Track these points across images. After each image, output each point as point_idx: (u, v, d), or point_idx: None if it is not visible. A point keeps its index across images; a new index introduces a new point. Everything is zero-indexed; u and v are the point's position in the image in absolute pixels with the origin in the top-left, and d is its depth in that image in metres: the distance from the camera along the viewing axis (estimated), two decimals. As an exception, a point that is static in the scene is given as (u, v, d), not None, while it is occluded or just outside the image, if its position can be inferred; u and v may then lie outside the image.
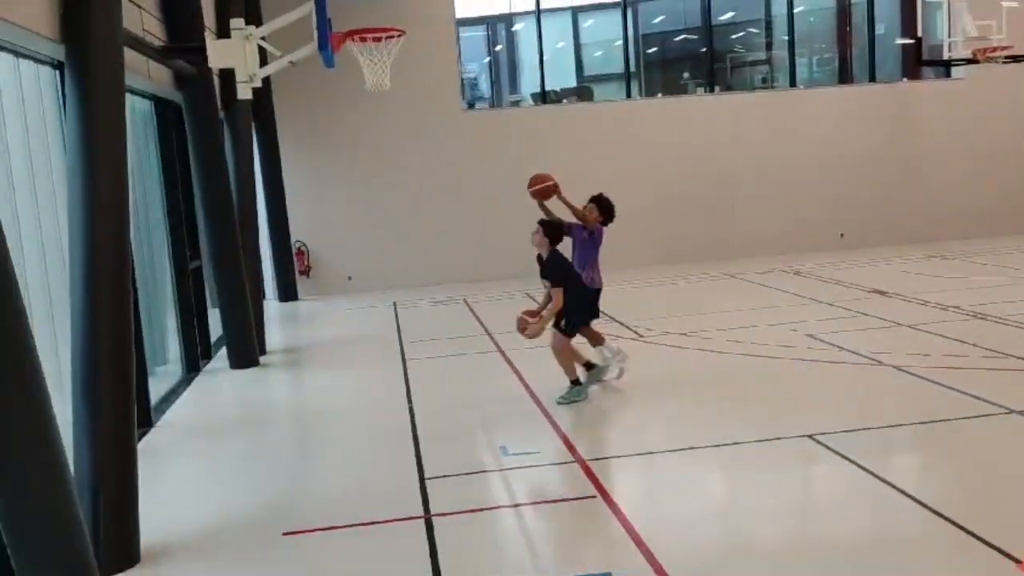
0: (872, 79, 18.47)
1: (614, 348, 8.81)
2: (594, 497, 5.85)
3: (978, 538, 4.85)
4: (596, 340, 8.78)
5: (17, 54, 6.11)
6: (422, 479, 6.41)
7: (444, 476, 6.47)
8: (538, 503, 6.02)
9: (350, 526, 5.68)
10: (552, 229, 8.27)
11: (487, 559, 5.25)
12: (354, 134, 16.24)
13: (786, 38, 18.61)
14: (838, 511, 5.70)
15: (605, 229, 8.91)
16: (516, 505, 6.04)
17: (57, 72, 6.62)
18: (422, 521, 5.66)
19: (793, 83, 18.53)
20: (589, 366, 8.35)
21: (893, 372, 8.48)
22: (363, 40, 8.08)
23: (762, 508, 5.72)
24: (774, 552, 5.06)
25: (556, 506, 5.89)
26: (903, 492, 5.62)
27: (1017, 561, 4.53)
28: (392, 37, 8.09)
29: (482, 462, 6.87)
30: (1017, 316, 10.31)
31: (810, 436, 6.70)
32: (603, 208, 8.88)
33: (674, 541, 5.18)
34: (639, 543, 5.10)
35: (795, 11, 18.43)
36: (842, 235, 17.54)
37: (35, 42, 5.98)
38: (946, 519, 5.14)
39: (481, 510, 5.87)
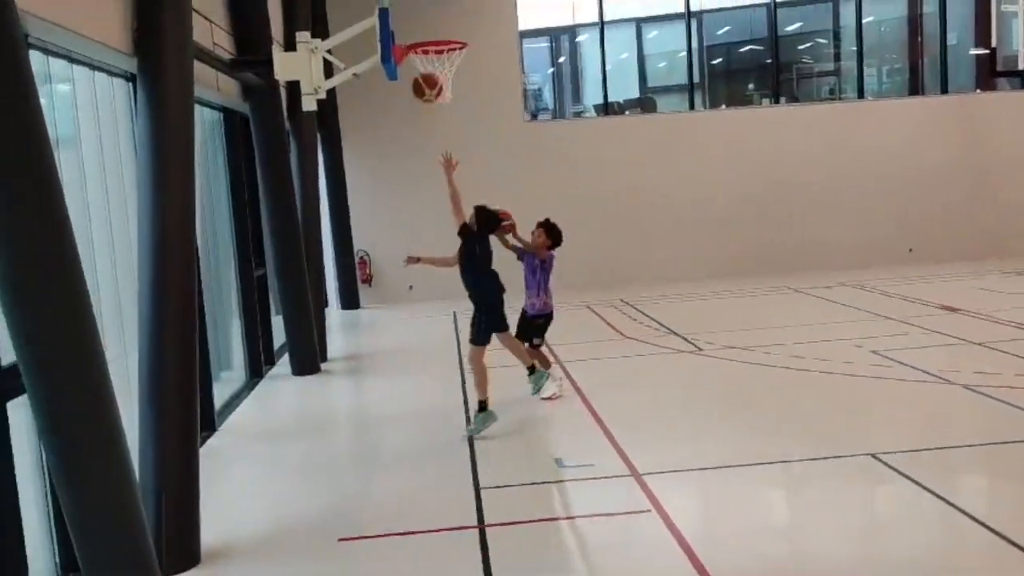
0: (944, 90, 18.04)
1: (557, 376, 8.95)
2: (648, 511, 5.81)
3: (1047, 565, 4.70)
4: (544, 363, 8.77)
5: (92, 67, 6.32)
6: (477, 489, 6.43)
7: (499, 487, 6.48)
8: (592, 516, 5.99)
9: (405, 534, 5.73)
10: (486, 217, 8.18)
11: (540, 571, 5.24)
12: (417, 144, 16.39)
13: (854, 48, 18.30)
14: (900, 533, 5.56)
15: (555, 254, 8.93)
16: (570, 518, 6.02)
17: (130, 84, 6.83)
18: (476, 531, 5.68)
19: (861, 94, 18.19)
20: (532, 369, 8.14)
21: (961, 391, 8.25)
22: (425, 53, 8.18)
23: (821, 528, 5.62)
24: (834, 572, 4.96)
25: (610, 519, 5.86)
26: (969, 515, 5.47)
27: (1088, 590, 4.37)
28: (454, 50, 8.18)
29: (537, 473, 6.87)
30: (1094, 335, 9.96)
31: (873, 455, 6.56)
32: (551, 233, 8.85)
33: (729, 558, 5.11)
34: (693, 559, 5.05)
35: (864, 21, 18.11)
36: (911, 250, 17.14)
37: (110, 56, 6.18)
38: (1013, 544, 4.98)
39: (535, 521, 5.87)
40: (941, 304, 12.58)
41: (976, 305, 12.32)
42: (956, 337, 10.45)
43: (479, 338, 7.79)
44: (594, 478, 6.58)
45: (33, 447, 4.96)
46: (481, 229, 7.82)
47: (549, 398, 8.65)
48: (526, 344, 8.69)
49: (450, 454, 7.33)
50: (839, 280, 15.44)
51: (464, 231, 7.82)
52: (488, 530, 5.68)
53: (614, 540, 5.59)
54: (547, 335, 9.12)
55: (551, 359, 9.23)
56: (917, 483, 6.01)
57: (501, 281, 7.93)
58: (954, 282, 14.71)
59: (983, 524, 5.31)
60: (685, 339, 11.39)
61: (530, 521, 5.86)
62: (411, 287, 16.14)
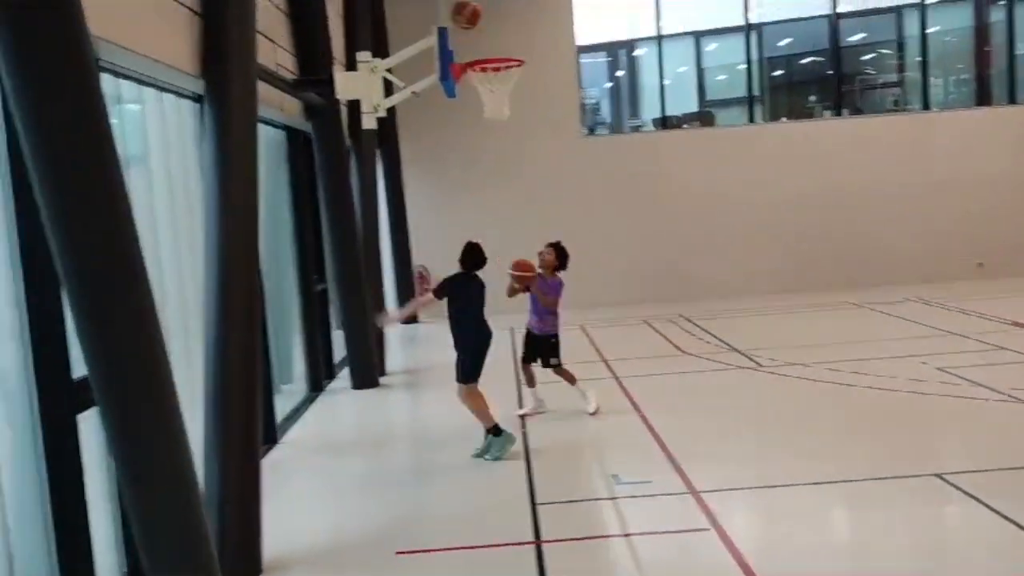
0: (1012, 100, 17.59)
1: (582, 389, 8.95)
2: (707, 530, 5.75)
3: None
4: (569, 379, 8.96)
5: (161, 88, 6.52)
6: (534, 504, 6.44)
7: (555, 503, 6.48)
8: (649, 534, 5.95)
9: (462, 548, 5.76)
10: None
11: (596, 588, 5.23)
12: (475, 160, 16.53)
13: (919, 59, 17.96)
14: (966, 556, 5.42)
15: (560, 279, 8.93)
16: (627, 535, 5.99)
17: (197, 105, 7.02)
18: (533, 547, 5.69)
19: (927, 105, 17.83)
20: (496, 430, 7.66)
21: (1032, 410, 8.02)
22: (483, 70, 8.26)
23: (884, 549, 5.50)
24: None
25: (667, 537, 5.82)
26: (1040, 538, 5.31)
27: None
28: (512, 67, 8.24)
29: (594, 490, 6.86)
30: None
31: (939, 475, 6.41)
32: (560, 254, 8.79)
33: (781, 571, 5.03)
34: (746, 570, 4.98)
35: (929, 31, 17.78)
36: (980, 264, 16.71)
37: (178, 78, 6.37)
38: (1087, 570, 4.83)
39: (591, 538, 5.85)
40: (1013, 321, 12.24)
41: (1048, 321, 11.97)
42: (1027, 354, 10.16)
43: (468, 377, 7.67)
44: (651, 495, 6.54)
45: (102, 457, 5.11)
46: (467, 266, 7.71)
47: (593, 413, 8.73)
48: (544, 366, 8.87)
49: (507, 469, 7.35)
50: (904, 295, 15.12)
51: (440, 292, 7.72)
52: (545, 546, 5.68)
53: (672, 558, 5.54)
54: (601, 350, 9.13)
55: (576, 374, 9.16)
56: (985, 504, 5.85)
57: (487, 327, 7.76)
58: (1025, 297, 14.31)
59: (1055, 548, 5.15)
60: (745, 355, 11.26)
61: (587, 538, 5.84)
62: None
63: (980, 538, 5.57)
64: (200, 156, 6.82)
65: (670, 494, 6.50)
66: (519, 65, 8.32)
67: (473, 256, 7.75)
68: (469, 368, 7.68)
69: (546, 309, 8.81)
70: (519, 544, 5.75)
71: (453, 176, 16.61)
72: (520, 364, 9.15)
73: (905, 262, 16.64)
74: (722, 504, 6.20)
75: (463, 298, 7.63)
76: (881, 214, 16.74)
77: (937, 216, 16.72)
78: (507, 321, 10.39)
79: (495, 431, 7.52)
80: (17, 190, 4.40)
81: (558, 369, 8.93)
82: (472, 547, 5.76)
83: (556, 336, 8.93)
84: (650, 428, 8.22)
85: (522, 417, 8.77)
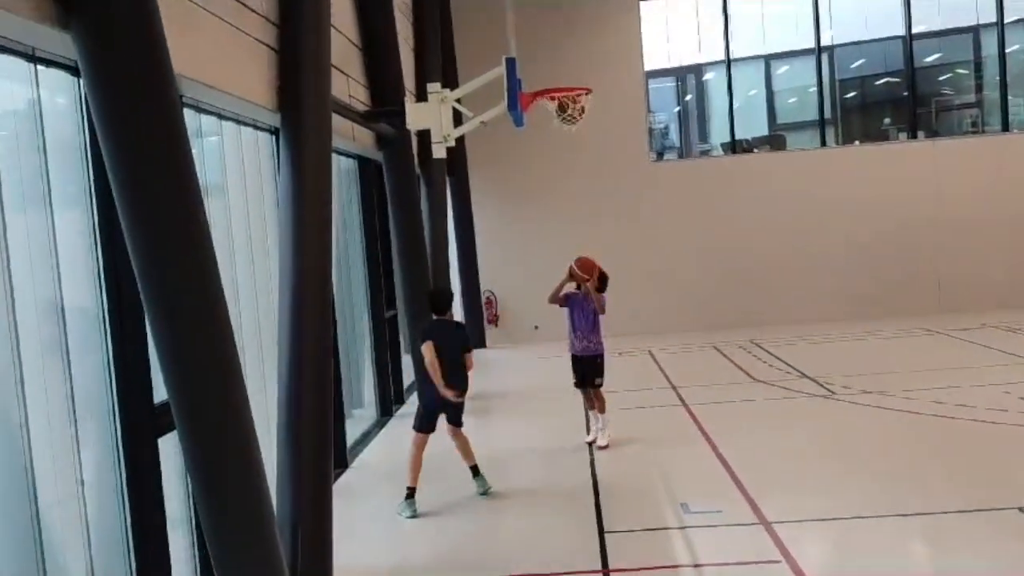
0: (1100, 120, 17.03)
1: (606, 419, 8.80)
2: (779, 562, 5.66)
3: None
4: (600, 406, 8.81)
5: (239, 122, 6.74)
6: (601, 532, 6.41)
7: (624, 531, 6.45)
8: (719, 564, 5.87)
9: (530, 575, 5.76)
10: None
11: (665, 619, 5.18)
12: (542, 186, 16.61)
13: (997, 79, 17.51)
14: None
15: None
16: (697, 565, 5.92)
17: (273, 137, 7.24)
18: (600, 575, 5.66)
19: (1006, 126, 17.36)
20: (475, 471, 7.54)
21: (1122, 442, 7.71)
22: (552, 99, 8.34)
23: (965, 585, 5.34)
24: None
25: (738, 569, 5.73)
26: None
27: None
28: (579, 95, 8.30)
29: (663, 518, 6.79)
30: None
31: (1021, 509, 6.20)
32: (601, 276, 8.63)
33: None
34: (825, 613, 4.89)
35: (1007, 50, 17.34)
36: (1066, 289, 16.13)
37: (256, 112, 6.58)
38: None
39: (661, 568, 5.80)
40: (1099, 348, 11.79)
41: None
42: (1117, 384, 9.77)
43: (418, 424, 7.48)
44: (722, 525, 6.46)
45: (181, 479, 5.27)
46: (434, 311, 7.52)
47: (605, 447, 8.58)
48: (592, 387, 8.79)
49: (575, 496, 7.33)
50: (983, 321, 14.68)
51: (423, 340, 7.33)
52: (613, 575, 5.65)
53: (742, 590, 5.46)
54: (669, 375, 9.04)
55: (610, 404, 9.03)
56: (1072, 541, 5.64)
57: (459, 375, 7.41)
58: (1114, 324, 13.77)
59: None
60: (817, 383, 11.05)
61: (655, 567, 5.79)
62: (536, 327, 16.26)
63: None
64: (276, 187, 7.03)
65: (741, 524, 6.41)
66: (587, 93, 8.37)
67: (432, 300, 7.67)
68: (421, 415, 7.50)
69: (593, 327, 8.70)
70: (587, 572, 5.73)
71: (521, 203, 16.72)
72: (578, 389, 9.05)
73: (982, 287, 16.17)
74: (794, 535, 6.09)
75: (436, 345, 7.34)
76: (957, 238, 16.32)
77: (1016, 240, 16.21)
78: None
79: (409, 493, 7.22)
80: (103, 219, 4.60)
81: (598, 391, 8.82)
82: (540, 574, 5.76)
83: (602, 356, 8.85)
84: (719, 456, 8.12)
85: (590, 444, 8.72)
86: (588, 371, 8.82)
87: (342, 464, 8.49)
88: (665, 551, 6.14)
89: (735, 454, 8.08)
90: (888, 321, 15.47)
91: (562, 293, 8.67)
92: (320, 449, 5.90)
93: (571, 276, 8.55)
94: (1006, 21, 17.21)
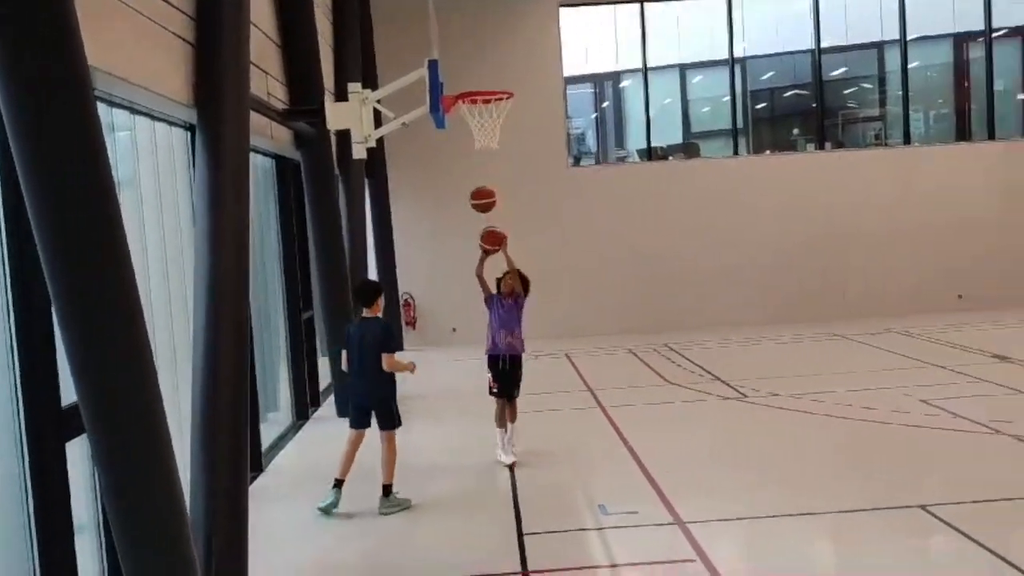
0: (991, 136, 17.88)
1: (514, 429, 8.40)
2: (694, 561, 5.77)
3: (1105, 624, 4.59)
4: (512, 415, 8.43)
5: (153, 117, 6.56)
6: (520, 535, 6.44)
7: (543, 533, 6.49)
8: (635, 564, 5.97)
9: (449, 579, 5.75)
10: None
11: (584, 619, 5.23)
12: (462, 189, 16.49)
13: (900, 93, 18.24)
14: (952, 587, 5.46)
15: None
16: (614, 565, 6.00)
17: (188, 133, 7.07)
18: (520, 577, 5.69)
19: (908, 140, 18.10)
20: (386, 490, 7.31)
21: (1013, 443, 8.10)
22: (474, 102, 8.34)
23: (870, 580, 5.54)
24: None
25: (654, 568, 5.83)
26: (1020, 570, 5.35)
27: None
28: (501, 100, 8.33)
29: (581, 520, 6.86)
30: None
31: (923, 507, 6.46)
32: (524, 282, 8.45)
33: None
34: (739, 610, 5.01)
35: (909, 66, 18.07)
36: (960, 296, 16.88)
37: (171, 108, 6.41)
38: (1069, 602, 4.88)
39: (579, 569, 5.86)
40: (993, 353, 12.37)
41: (1028, 354, 12.11)
42: (1008, 387, 10.26)
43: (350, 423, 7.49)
44: (638, 525, 6.56)
45: (89, 484, 5.09)
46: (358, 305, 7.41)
47: (509, 465, 8.13)
48: (511, 398, 8.41)
49: (493, 499, 7.36)
50: (887, 327, 15.26)
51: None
52: (532, 576, 5.69)
53: (658, 589, 5.56)
54: (587, 378, 9.05)
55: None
56: (968, 537, 5.90)
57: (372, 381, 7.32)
58: (1005, 330, 14.47)
59: (1037, 580, 5.20)
60: (730, 386, 11.32)
61: (574, 568, 5.85)
62: (454, 329, 16.26)
63: (964, 571, 5.61)
64: (192, 184, 6.86)
65: (656, 524, 6.52)
66: (509, 97, 8.41)
67: (356, 295, 7.47)
68: (351, 411, 7.50)
69: (518, 322, 8.35)
70: (507, 575, 5.74)
71: (440, 206, 16.66)
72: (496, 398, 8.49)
73: (887, 294, 16.81)
74: (708, 535, 6.22)
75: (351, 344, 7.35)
76: (863, 246, 16.92)
77: (918, 248, 16.91)
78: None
79: (336, 483, 7.25)
80: (10, 214, 4.43)
81: (514, 401, 8.46)
82: (459, 578, 5.76)
83: (521, 360, 8.48)
84: (636, 457, 8.25)
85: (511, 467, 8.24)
86: (508, 378, 8.41)
87: (257, 468, 8.33)
88: (584, 552, 6.20)
89: (650, 455, 8.22)
90: (798, 326, 15.94)
91: (485, 295, 8.51)
92: (235, 452, 5.77)
93: (482, 250, 8.36)
94: (909, 38, 17.93)
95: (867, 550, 6.03)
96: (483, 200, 8.46)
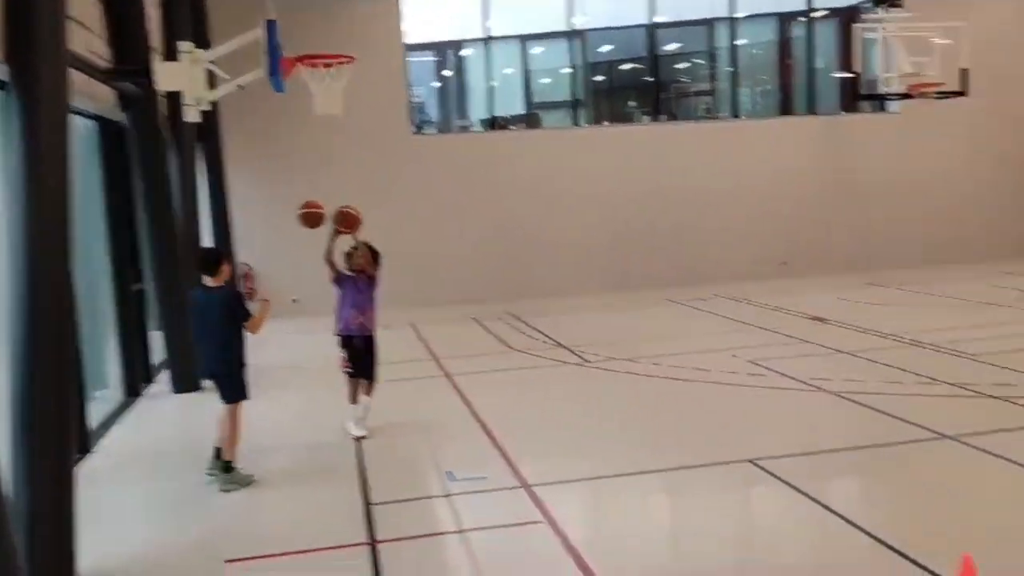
0: (812, 111, 18.96)
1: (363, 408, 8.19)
2: (540, 523, 5.89)
3: (912, 561, 5.00)
4: (368, 389, 8.23)
5: (-42, 74, 6.01)
6: (367, 505, 6.39)
7: (390, 502, 6.45)
8: (483, 528, 6.03)
9: (294, 553, 5.64)
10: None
11: (433, 585, 5.25)
12: (302, 156, 16.19)
13: (729, 69, 19.04)
14: (779, 536, 5.81)
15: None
16: (461, 531, 6.04)
17: (-1, 92, 6.51)
18: (367, 547, 5.64)
19: (736, 114, 18.93)
20: (219, 454, 7.11)
21: (832, 398, 8.68)
22: (313, 66, 8.10)
23: (706, 533, 5.81)
24: (716, 574, 5.15)
25: (502, 531, 5.91)
26: (842, 517, 5.76)
27: (949, 583, 4.68)
28: (342, 63, 8.13)
29: (428, 488, 6.87)
30: (949, 343, 10.63)
31: (752, 461, 6.83)
32: (374, 256, 8.25)
33: (617, 566, 5.24)
34: (583, 567, 5.15)
35: (737, 43, 18.87)
36: (784, 263, 17.89)
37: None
38: (882, 543, 5.28)
39: (427, 536, 5.87)
40: (813, 316, 13.19)
41: (845, 316, 12.98)
42: (827, 347, 10.98)
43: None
44: (485, 490, 6.63)
45: None
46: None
47: (360, 438, 7.96)
48: (368, 378, 8.17)
49: (340, 470, 7.25)
50: (717, 292, 16.00)
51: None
52: (380, 546, 5.65)
53: (505, 552, 5.64)
54: (432, 347, 9.02)
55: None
56: (794, 488, 6.29)
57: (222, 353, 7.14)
58: (824, 294, 15.44)
59: (854, 524, 5.59)
60: (572, 351, 11.59)
61: (422, 536, 5.85)
62: (295, 300, 15.86)
63: (791, 520, 5.98)
64: (4, 148, 6.34)
65: (503, 489, 6.61)
66: (350, 61, 8.21)
67: (198, 264, 7.25)
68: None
69: (370, 301, 8.14)
70: (353, 546, 5.68)
71: (279, 173, 16.18)
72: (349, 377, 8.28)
73: (717, 261, 17.60)
74: (553, 496, 6.36)
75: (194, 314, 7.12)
76: (695, 215, 17.64)
77: (746, 217, 17.78)
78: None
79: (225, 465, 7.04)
80: None
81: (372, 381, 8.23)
82: (306, 551, 5.65)
83: (374, 340, 8.28)
84: (482, 424, 8.32)
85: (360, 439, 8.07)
86: (362, 361, 8.17)
87: (84, 450, 7.88)
88: (432, 519, 6.22)
89: (497, 422, 8.31)
90: (635, 292, 16.48)
91: (333, 276, 8.15)
92: (60, 434, 5.41)
93: (334, 231, 8.03)
94: (737, 16, 18.71)
95: (701, 503, 6.34)
96: (310, 209, 7.95)
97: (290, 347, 13.43)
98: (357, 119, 15.46)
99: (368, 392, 8.28)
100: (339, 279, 8.17)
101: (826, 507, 5.95)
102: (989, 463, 6.58)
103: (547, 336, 12.81)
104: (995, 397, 8.30)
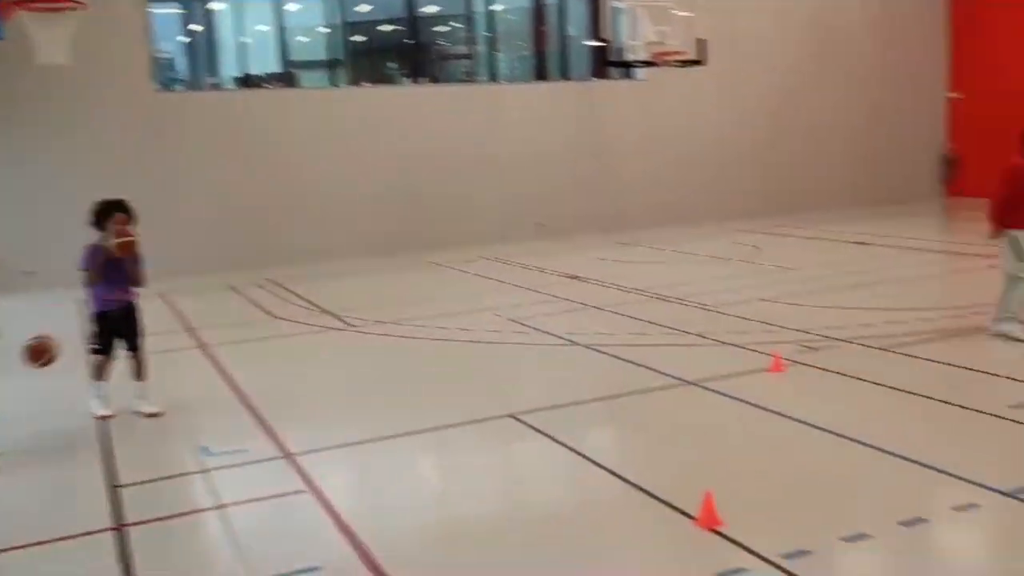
0: (565, 76, 19.60)
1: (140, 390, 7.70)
2: (303, 492, 5.75)
3: (661, 500, 5.33)
4: (143, 372, 7.71)
5: None
6: (113, 487, 5.96)
7: (139, 483, 6.06)
8: (244, 502, 5.79)
9: (33, 545, 5.17)
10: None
11: (190, 565, 4.98)
12: (31, 112, 14.72)
13: (487, 34, 19.26)
14: (539, 486, 6.00)
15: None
16: (220, 507, 5.77)
17: None
18: (114, 533, 5.27)
19: (494, 78, 19.21)
20: None
21: (585, 351, 9.08)
22: (35, 9, 7.33)
23: (471, 489, 5.91)
24: (483, 531, 5.24)
25: (263, 504, 5.70)
26: (596, 463, 6.04)
27: (692, 517, 5.02)
28: (70, 7, 7.42)
29: (182, 465, 6.52)
30: (690, 296, 11.43)
31: (512, 416, 7.01)
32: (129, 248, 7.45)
33: (384, 529, 5.21)
34: (349, 535, 5.08)
35: (494, 8, 19.12)
36: (542, 224, 18.46)
37: None
38: (634, 485, 5.59)
39: (181, 515, 5.57)
40: (568, 274, 13.73)
41: (597, 274, 13.61)
42: (580, 302, 11.48)
43: None
44: (245, 463, 6.38)
45: None
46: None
47: (157, 414, 7.53)
48: (132, 348, 7.64)
49: (80, 452, 6.72)
50: (478, 254, 16.28)
51: None
52: (128, 530, 5.29)
53: (267, 525, 5.45)
54: (185, 318, 8.54)
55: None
56: (553, 439, 6.52)
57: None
58: (579, 254, 16.11)
59: (610, 471, 5.88)
60: (336, 316, 11.39)
61: (175, 516, 5.55)
62: (29, 272, 14.49)
63: (551, 470, 6.20)
64: None
65: (264, 460, 6.38)
66: (77, 6, 7.50)
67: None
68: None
69: (135, 273, 7.53)
70: (96, 532, 5.29)
71: (10, 131, 14.64)
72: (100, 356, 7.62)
73: (479, 223, 17.89)
74: (317, 465, 6.23)
75: None
76: (455, 178, 17.80)
77: (506, 180, 18.16)
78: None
79: None
80: None
81: (139, 354, 7.68)
82: (45, 542, 5.19)
83: (137, 305, 7.73)
84: (241, 395, 8.00)
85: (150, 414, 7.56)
86: (124, 327, 7.54)
87: None
88: (186, 497, 5.91)
89: (257, 391, 8.03)
90: (398, 256, 16.44)
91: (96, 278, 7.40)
92: None
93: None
94: (492, -20, 18.95)
95: (464, 461, 6.44)
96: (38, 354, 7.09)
97: (28, 321, 12.26)
98: (93, 71, 14.31)
99: (141, 375, 7.68)
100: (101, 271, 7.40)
101: (582, 455, 6.22)
102: (728, 405, 7.13)
103: (310, 302, 12.51)
104: (732, 344, 9.01)
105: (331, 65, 18.63)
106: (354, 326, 10.81)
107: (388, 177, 17.22)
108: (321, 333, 10.62)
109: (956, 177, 19.23)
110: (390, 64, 20.15)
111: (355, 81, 19.21)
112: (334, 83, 18.31)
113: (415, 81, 18.72)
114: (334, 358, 9.60)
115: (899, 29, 21.80)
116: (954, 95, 22.29)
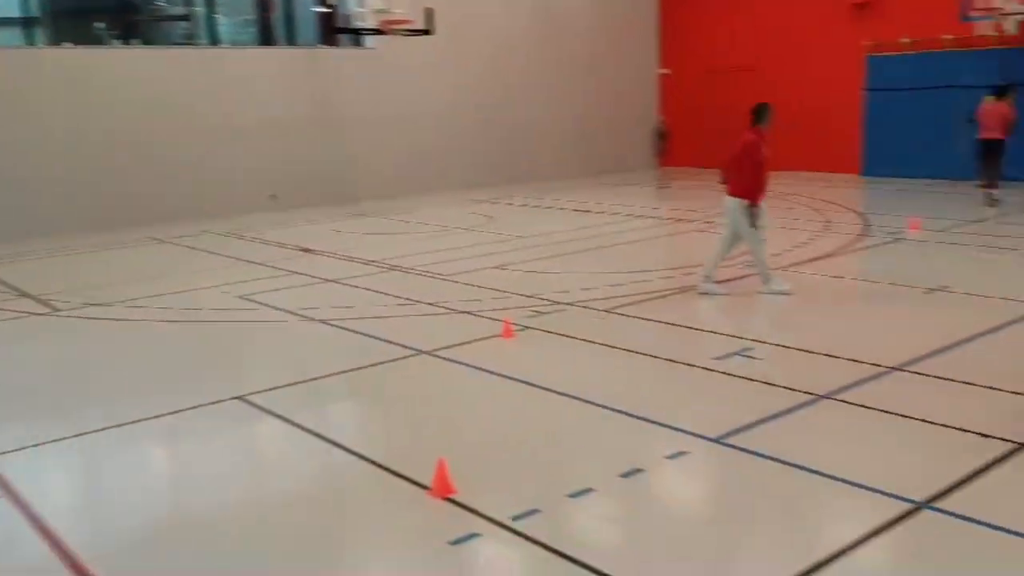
0: (292, 43, 18.92)
1: None
2: (-1, 498, 5.16)
3: (395, 473, 5.28)
4: None
5: None
6: None
7: None
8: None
9: None
10: None
11: None
12: None
13: (205, -4, 18.18)
14: (277, 470, 5.73)
15: None
16: None
17: None
18: None
19: (215, 41, 18.18)
20: None
21: (320, 326, 8.85)
22: None
23: (196, 476, 5.56)
24: (207, 523, 4.93)
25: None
26: (329, 440, 5.89)
27: (426, 487, 5.02)
28: None
29: None
30: (424, 266, 11.47)
31: (240, 397, 6.69)
32: None
33: (97, 530, 4.79)
34: (52, 540, 4.61)
35: (213, -32, 18.07)
36: (274, 196, 17.80)
37: None
38: (368, 460, 5.50)
39: None
40: (301, 247, 13.34)
41: (332, 246, 13.33)
42: (315, 276, 11.18)
43: None
44: (-74, 472, 5.61)
45: None
46: None
47: None
48: None
49: None
50: (204, 228, 15.43)
51: None
52: None
53: (-45, 538, 4.83)
54: None
55: None
56: (284, 419, 6.28)
57: None
58: (312, 226, 15.71)
59: (344, 447, 5.75)
60: (39, 301, 10.33)
61: None
62: None
63: (286, 451, 5.94)
64: None
65: (-50, 466, 5.65)
66: None
67: None
68: None
69: None
70: None
71: None
72: None
73: (203, 196, 16.95)
74: (18, 465, 5.61)
75: None
76: (177, 147, 16.71)
77: (231, 150, 17.30)
78: None
79: None
80: None
81: None
82: None
83: None
84: (-78, 395, 7.05)
85: None
86: None
87: None
88: None
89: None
90: (117, 232, 15.28)
91: None
92: None
93: None
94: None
95: (191, 449, 6.05)
96: None
97: None
98: None
99: None
100: None
101: (315, 433, 6.04)
102: (461, 373, 7.21)
103: (8, 284, 11.27)
104: (465, 312, 9.12)
105: (27, 23, 16.77)
106: (60, 311, 9.86)
107: (97, 146, 15.84)
108: (20, 319, 9.60)
109: (667, 148, 20.69)
110: (98, 24, 18.48)
111: (56, 41, 17.45)
112: (31, 42, 16.51)
113: (127, 42, 17.30)
114: (36, 347, 8.70)
115: (616, 9, 23.04)
116: (664, 71, 23.94)
